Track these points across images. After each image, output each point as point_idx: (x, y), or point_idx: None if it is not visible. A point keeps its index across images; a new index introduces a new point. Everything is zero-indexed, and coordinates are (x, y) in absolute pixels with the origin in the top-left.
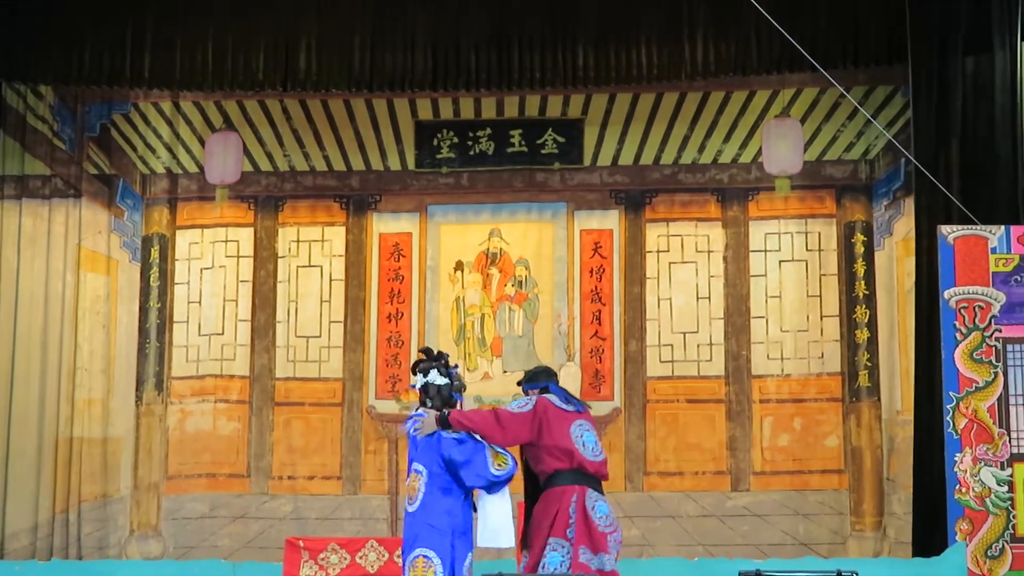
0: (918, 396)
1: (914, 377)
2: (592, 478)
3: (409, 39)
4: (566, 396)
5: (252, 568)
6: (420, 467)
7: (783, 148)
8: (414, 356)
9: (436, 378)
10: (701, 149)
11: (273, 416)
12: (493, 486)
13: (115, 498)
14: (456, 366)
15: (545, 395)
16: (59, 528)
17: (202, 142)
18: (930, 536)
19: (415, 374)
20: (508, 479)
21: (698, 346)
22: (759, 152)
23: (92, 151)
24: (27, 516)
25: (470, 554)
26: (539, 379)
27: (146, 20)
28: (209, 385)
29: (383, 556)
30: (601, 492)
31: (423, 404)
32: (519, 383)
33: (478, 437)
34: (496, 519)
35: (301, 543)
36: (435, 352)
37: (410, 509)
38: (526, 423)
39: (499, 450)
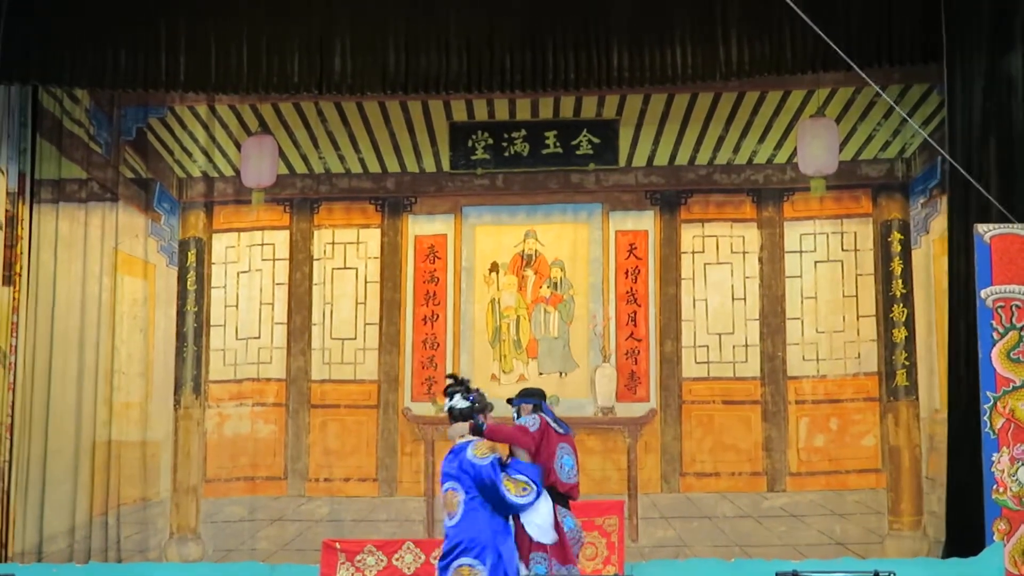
0: (950, 395)
1: (947, 376)
2: (562, 496)
3: (443, 41)
4: (555, 418)
5: (289, 570)
6: (455, 484)
7: (818, 148)
8: (450, 358)
9: (459, 402)
10: (736, 150)
11: (309, 418)
12: (522, 509)
13: (154, 501)
14: (477, 389)
15: (540, 413)
16: (98, 531)
17: (238, 145)
18: (966, 536)
19: (445, 396)
20: (531, 503)
21: (733, 347)
22: (794, 152)
23: (128, 155)
24: (64, 519)
25: (517, 556)
26: (534, 396)
27: (179, 22)
28: (246, 389)
29: (419, 558)
30: (568, 509)
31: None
32: (509, 400)
33: (495, 475)
34: (540, 521)
35: (338, 545)
36: (459, 377)
37: (450, 523)
38: (535, 440)
39: (517, 477)
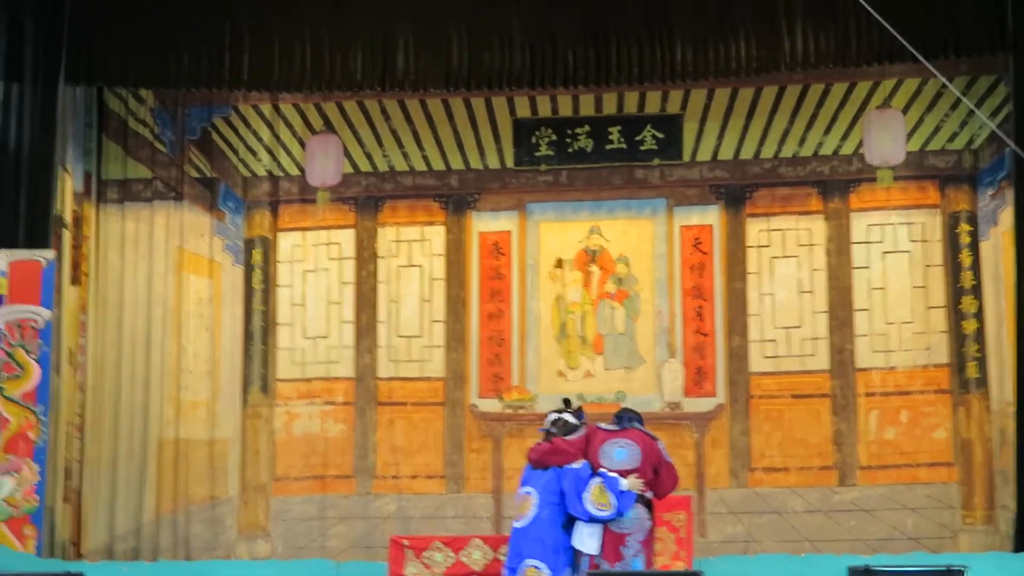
0: (1020, 388)
1: (1016, 368)
2: None
3: (506, 37)
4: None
5: (357, 567)
6: (531, 489)
7: (885, 139)
8: (516, 355)
9: (569, 417)
10: (801, 142)
11: (376, 416)
12: (592, 521)
13: (223, 499)
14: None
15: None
16: (166, 529)
17: (302, 144)
18: None
19: (551, 414)
20: (605, 520)
21: (802, 340)
22: (860, 144)
23: (193, 154)
24: (133, 517)
25: (568, 569)
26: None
27: (242, 22)
28: (316, 387)
29: (488, 554)
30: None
31: (548, 433)
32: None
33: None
34: (590, 529)
35: (406, 542)
36: (573, 405)
37: (518, 524)
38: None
39: (607, 489)
